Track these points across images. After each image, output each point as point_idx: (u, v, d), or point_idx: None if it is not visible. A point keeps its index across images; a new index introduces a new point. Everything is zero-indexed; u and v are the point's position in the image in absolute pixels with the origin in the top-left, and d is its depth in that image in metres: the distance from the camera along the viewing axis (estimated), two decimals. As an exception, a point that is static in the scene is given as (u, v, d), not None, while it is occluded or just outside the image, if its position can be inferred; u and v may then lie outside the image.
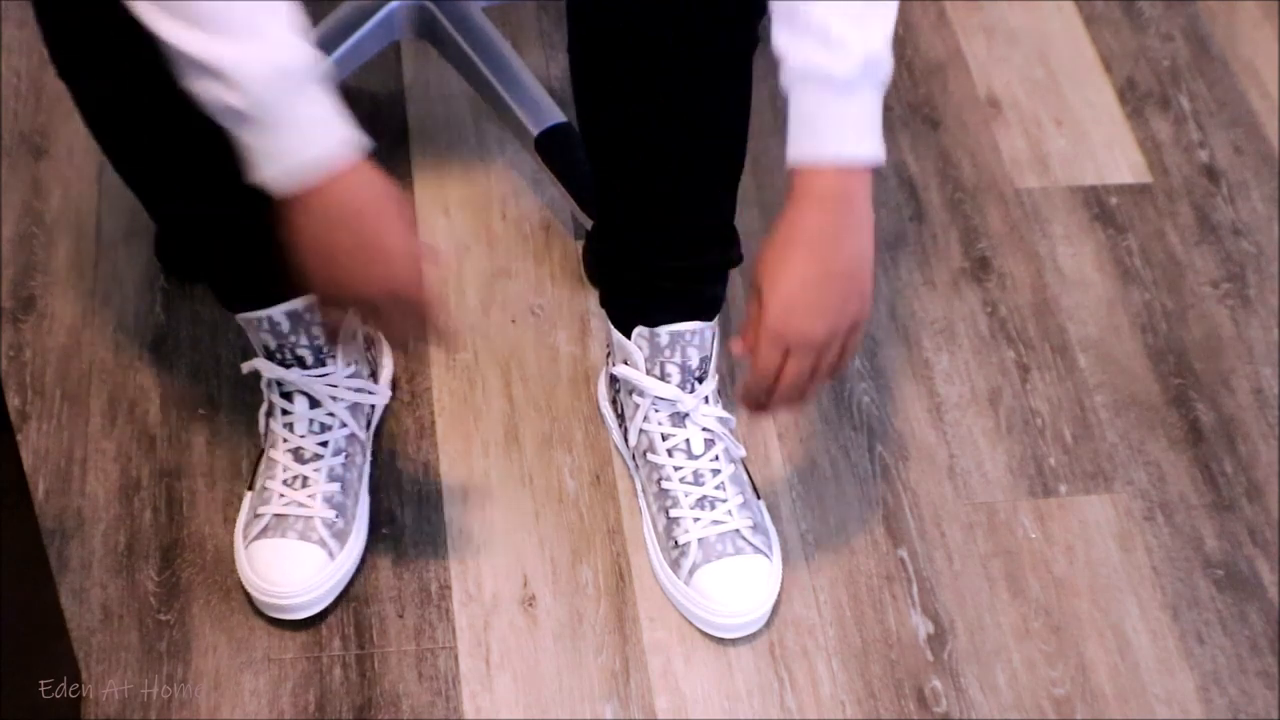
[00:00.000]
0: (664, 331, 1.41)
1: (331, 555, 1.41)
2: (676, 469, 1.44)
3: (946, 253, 1.72)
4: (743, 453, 1.48)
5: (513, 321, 1.63)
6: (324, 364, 1.42)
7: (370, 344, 1.50)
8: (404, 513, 1.49)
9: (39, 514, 1.37)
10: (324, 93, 1.13)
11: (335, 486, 1.42)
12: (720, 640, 1.43)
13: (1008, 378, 1.63)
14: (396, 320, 1.23)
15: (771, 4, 1.18)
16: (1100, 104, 1.88)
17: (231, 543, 1.44)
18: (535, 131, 1.64)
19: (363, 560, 1.45)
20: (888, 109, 1.83)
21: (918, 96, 1.87)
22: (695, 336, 1.42)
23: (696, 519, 1.43)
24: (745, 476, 1.47)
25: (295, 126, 1.12)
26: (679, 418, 1.44)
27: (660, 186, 1.34)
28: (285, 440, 1.43)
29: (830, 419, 1.58)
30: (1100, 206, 1.78)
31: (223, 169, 1.29)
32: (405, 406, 1.56)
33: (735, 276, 1.47)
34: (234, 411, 1.54)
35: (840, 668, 1.43)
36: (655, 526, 1.46)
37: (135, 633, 1.41)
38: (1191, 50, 1.94)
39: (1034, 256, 1.73)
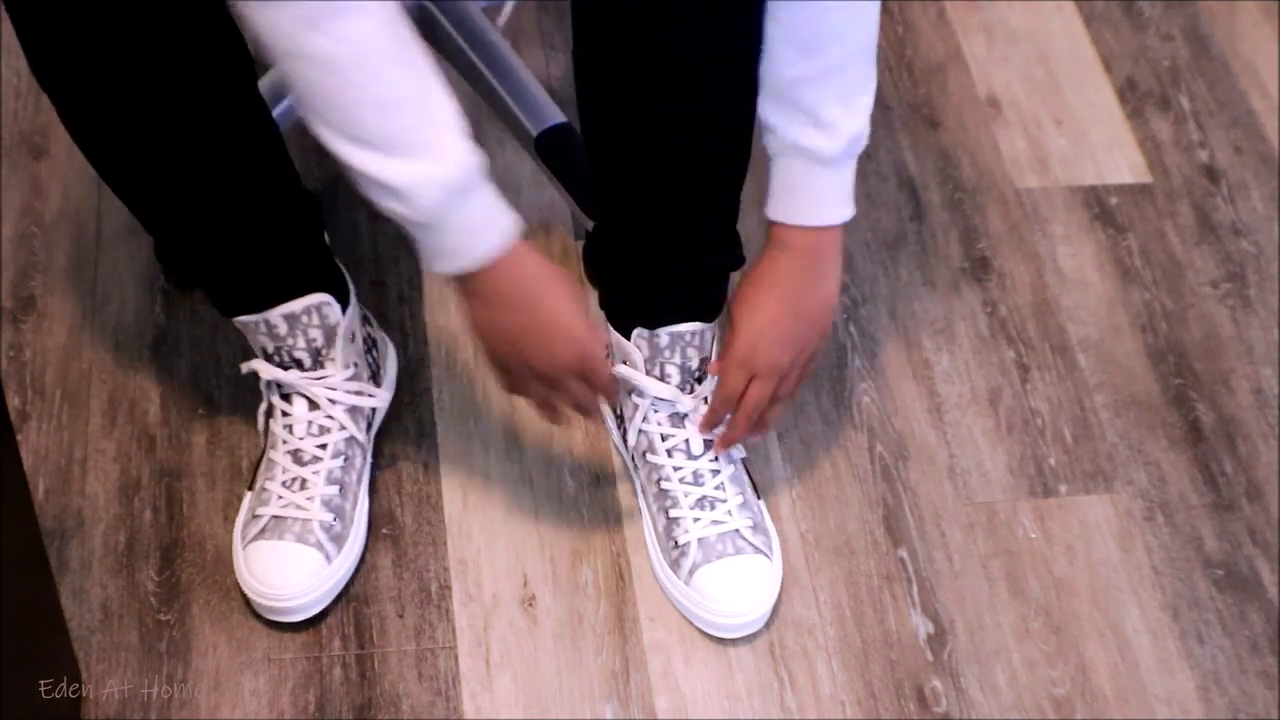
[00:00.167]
0: (664, 333, 1.41)
1: (328, 558, 1.41)
2: (676, 469, 1.44)
3: (946, 253, 1.73)
4: (743, 453, 1.48)
5: (513, 321, 1.63)
6: (322, 366, 1.42)
7: (371, 346, 1.50)
8: (404, 513, 1.49)
9: (39, 514, 1.37)
10: (488, 190, 1.22)
11: (334, 489, 1.42)
12: (720, 640, 1.43)
13: (1008, 378, 1.63)
14: (575, 391, 1.33)
15: (762, 78, 1.27)
16: (1100, 104, 1.88)
17: (231, 543, 1.44)
18: (535, 132, 1.64)
19: (362, 560, 1.45)
20: (888, 109, 1.84)
21: (918, 96, 1.87)
22: (695, 338, 1.42)
23: (696, 519, 1.43)
24: (745, 476, 1.47)
25: (464, 229, 1.22)
26: (678, 418, 1.44)
27: (663, 188, 1.34)
28: (284, 442, 1.43)
29: (830, 419, 1.58)
30: (1100, 206, 1.78)
31: (211, 167, 1.29)
32: (405, 406, 1.56)
33: (735, 278, 1.47)
34: (234, 411, 1.54)
35: (840, 668, 1.43)
36: (655, 527, 1.46)
37: (135, 633, 1.41)
38: (1191, 50, 1.94)
39: (1034, 256, 1.73)
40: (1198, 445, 1.59)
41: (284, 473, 1.42)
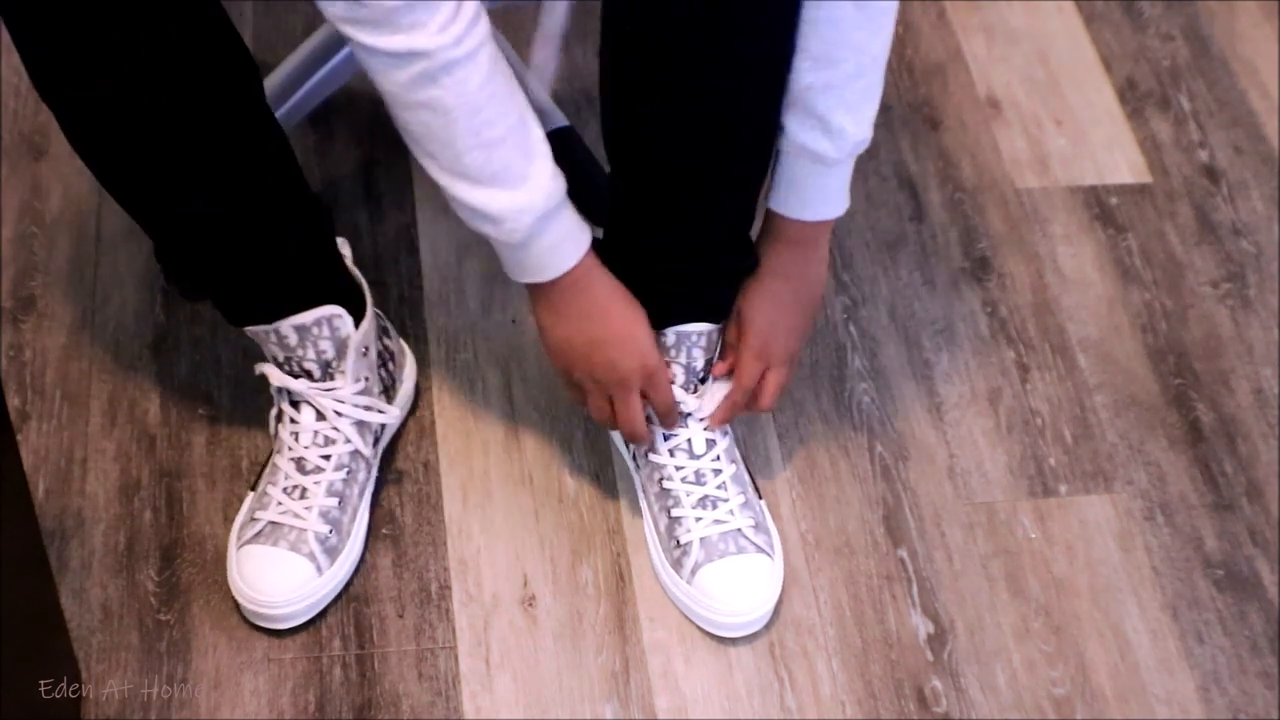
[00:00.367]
0: (670, 332, 1.41)
1: (319, 570, 1.40)
2: (678, 469, 1.44)
3: (946, 253, 1.73)
4: (735, 456, 1.48)
5: (513, 321, 1.63)
6: (331, 378, 1.41)
7: (388, 360, 1.49)
8: (404, 513, 1.49)
9: (39, 514, 1.37)
10: (570, 209, 1.30)
11: (333, 501, 1.42)
12: (720, 640, 1.43)
13: (1008, 378, 1.63)
14: (633, 406, 1.39)
15: None
16: (1100, 104, 1.88)
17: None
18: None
19: (362, 560, 1.45)
20: (888, 109, 1.84)
21: (918, 96, 1.87)
22: (701, 338, 1.42)
23: (699, 518, 1.43)
24: (746, 476, 1.47)
25: (549, 246, 1.30)
26: (681, 417, 1.44)
27: (681, 189, 1.33)
28: (290, 448, 1.43)
29: (830, 419, 1.58)
30: (1100, 206, 1.78)
31: (212, 171, 1.29)
32: (405, 406, 1.56)
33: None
34: (234, 411, 1.54)
35: (840, 668, 1.43)
36: (657, 526, 1.46)
37: (135, 633, 1.41)
38: (1191, 50, 1.94)
39: (1034, 256, 1.73)
40: (1198, 445, 1.59)
41: (286, 479, 1.42)
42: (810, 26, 1.25)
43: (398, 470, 1.52)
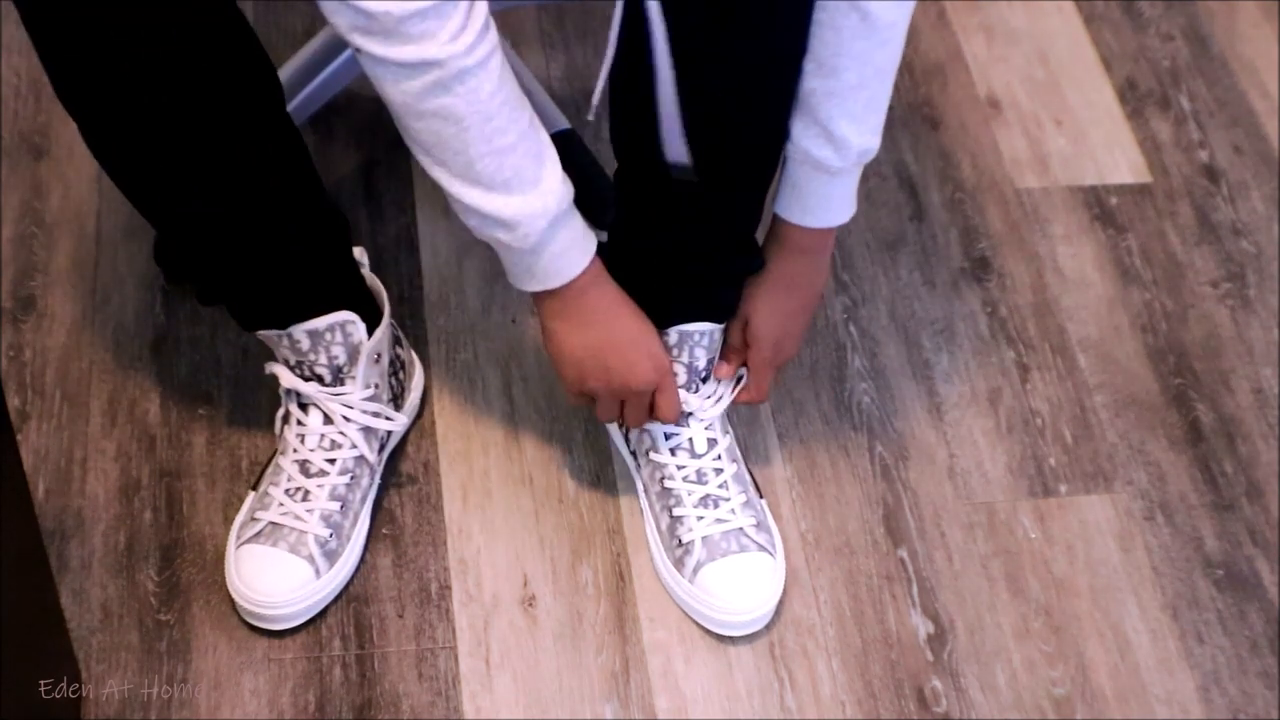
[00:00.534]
0: (673, 331, 1.41)
1: (318, 573, 1.40)
2: (680, 468, 1.44)
3: (946, 253, 1.73)
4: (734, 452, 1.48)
5: (513, 321, 1.63)
6: (342, 383, 1.41)
7: (399, 369, 1.49)
8: (404, 513, 1.49)
9: (39, 514, 1.37)
10: (577, 215, 1.30)
11: (335, 505, 1.42)
12: (720, 640, 1.43)
13: (1008, 378, 1.63)
14: (641, 409, 1.40)
15: None
16: (1100, 104, 1.88)
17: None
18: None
19: (362, 560, 1.45)
20: (888, 109, 1.84)
21: (918, 96, 1.87)
22: (704, 338, 1.42)
23: (700, 517, 1.43)
24: (747, 476, 1.48)
25: (555, 253, 1.29)
26: (683, 417, 1.44)
27: (689, 190, 1.33)
28: (295, 450, 1.43)
29: (830, 419, 1.58)
30: (1100, 206, 1.78)
31: (231, 173, 1.29)
32: (405, 406, 1.56)
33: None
34: (234, 411, 1.54)
35: (840, 668, 1.43)
36: (658, 526, 1.46)
37: (135, 633, 1.41)
38: (1191, 50, 1.94)
39: (1034, 256, 1.73)
40: (1198, 445, 1.59)
41: (289, 480, 1.42)
42: (815, 29, 1.24)
43: (398, 470, 1.52)
